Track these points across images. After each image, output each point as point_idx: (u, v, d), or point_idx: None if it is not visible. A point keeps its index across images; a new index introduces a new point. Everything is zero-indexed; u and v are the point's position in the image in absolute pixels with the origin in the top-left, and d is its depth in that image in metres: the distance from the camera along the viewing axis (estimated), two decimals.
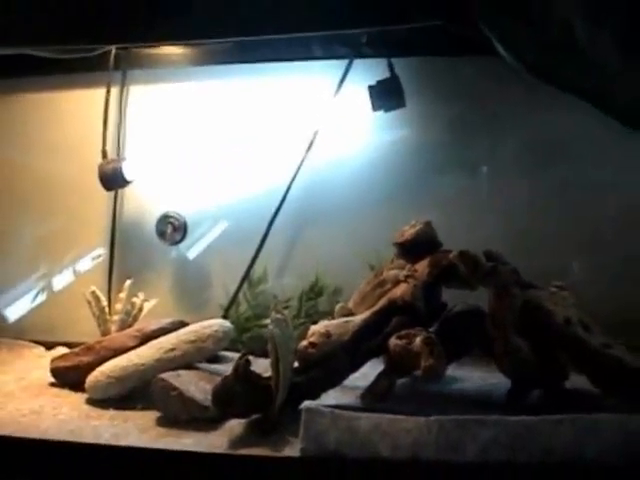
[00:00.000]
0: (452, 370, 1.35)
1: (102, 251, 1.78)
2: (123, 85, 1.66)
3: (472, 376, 1.35)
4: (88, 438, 1.04)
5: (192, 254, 1.79)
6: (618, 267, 1.50)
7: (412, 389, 1.29)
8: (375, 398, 1.18)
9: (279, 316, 1.16)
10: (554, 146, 1.54)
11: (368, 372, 1.16)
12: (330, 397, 1.21)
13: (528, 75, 1.00)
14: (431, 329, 1.24)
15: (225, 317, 1.64)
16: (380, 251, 1.39)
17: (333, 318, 1.32)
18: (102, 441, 1.04)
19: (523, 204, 1.60)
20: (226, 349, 1.53)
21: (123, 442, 1.04)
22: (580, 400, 1.06)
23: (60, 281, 1.77)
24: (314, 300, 1.63)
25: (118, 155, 1.65)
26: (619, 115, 0.98)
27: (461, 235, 1.44)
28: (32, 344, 1.56)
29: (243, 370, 1.14)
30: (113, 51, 1.53)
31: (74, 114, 1.67)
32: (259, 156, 1.76)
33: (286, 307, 1.64)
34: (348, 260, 1.61)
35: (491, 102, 1.59)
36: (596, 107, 0.98)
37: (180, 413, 1.21)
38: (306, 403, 1.11)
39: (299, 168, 1.69)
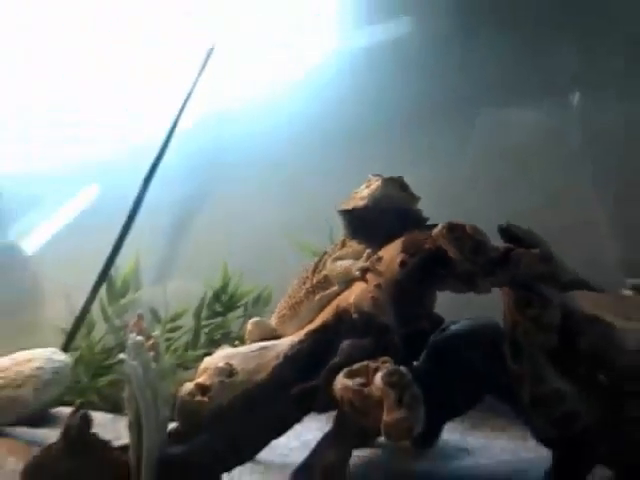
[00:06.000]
0: (460, 435, 1.35)
1: None
2: None
3: (491, 446, 1.33)
4: None
5: (6, 240, 1.76)
6: None
7: (384, 468, 1.26)
8: None
9: (140, 339, 1.10)
10: None
11: (312, 438, 1.16)
12: None
13: None
14: (416, 363, 1.22)
15: (67, 348, 1.59)
16: (333, 233, 1.35)
17: (243, 343, 1.28)
18: None
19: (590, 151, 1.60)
20: (66, 402, 1.49)
21: None
22: None
23: None
24: (222, 316, 1.62)
25: None
26: None
27: (474, 205, 1.45)
28: None
29: (77, 435, 1.07)
30: None
31: None
32: (123, 78, 1.72)
33: (174, 329, 1.61)
34: (280, 248, 1.58)
35: None
36: None
37: None
38: None
39: (188, 98, 1.65)
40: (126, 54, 1.68)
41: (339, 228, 1.23)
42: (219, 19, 1.63)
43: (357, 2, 1.51)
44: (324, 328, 1.19)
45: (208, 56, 1.60)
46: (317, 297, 1.25)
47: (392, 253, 1.17)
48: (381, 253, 1.19)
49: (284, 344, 1.19)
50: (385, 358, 1.08)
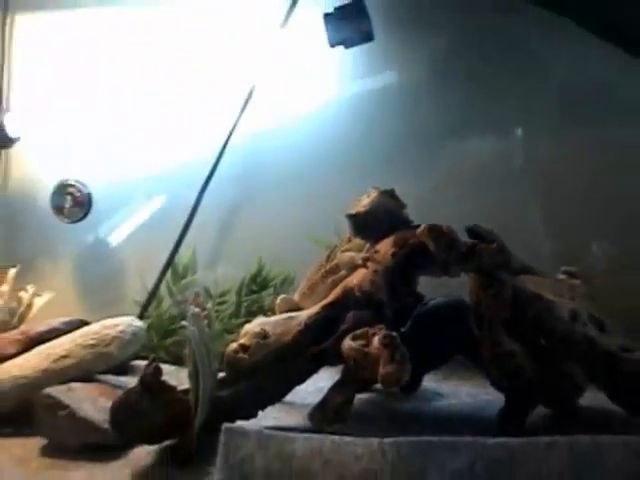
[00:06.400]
0: (436, 383, 1.37)
1: None
2: (5, 12, 1.71)
3: (460, 391, 1.35)
4: None
5: (99, 235, 1.77)
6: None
7: (379, 407, 1.29)
8: (325, 418, 1.13)
9: (197, 310, 1.13)
10: (571, 92, 1.60)
11: (325, 385, 1.14)
12: (270, 417, 1.18)
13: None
14: (403, 329, 1.22)
15: (142, 317, 1.61)
16: (341, 230, 1.34)
17: (274, 314, 1.29)
18: None
19: (532, 170, 1.62)
20: (143, 357, 1.49)
21: None
22: (599, 422, 1.09)
23: None
24: (257, 294, 1.62)
25: None
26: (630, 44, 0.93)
27: (448, 211, 1.44)
28: None
29: (151, 381, 1.09)
30: None
31: None
32: (186, 109, 1.73)
33: (221, 303, 1.62)
34: (301, 242, 1.59)
35: (490, 33, 1.60)
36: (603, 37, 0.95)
37: (71, 438, 1.16)
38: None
39: (236, 125, 1.65)
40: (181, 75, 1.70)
41: (345, 228, 1.25)
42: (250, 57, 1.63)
43: (354, 59, 1.56)
44: (334, 303, 1.21)
45: (250, 95, 1.58)
46: (329, 280, 1.27)
47: (386, 247, 1.19)
48: (378, 247, 1.21)
49: (304, 315, 1.21)
50: (381, 326, 1.10)
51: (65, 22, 1.69)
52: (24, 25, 1.71)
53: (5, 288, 1.51)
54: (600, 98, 1.56)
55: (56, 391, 1.20)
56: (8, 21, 1.69)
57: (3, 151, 1.69)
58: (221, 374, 1.16)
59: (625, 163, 1.57)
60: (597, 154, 1.58)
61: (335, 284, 1.23)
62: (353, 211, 1.21)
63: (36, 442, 1.19)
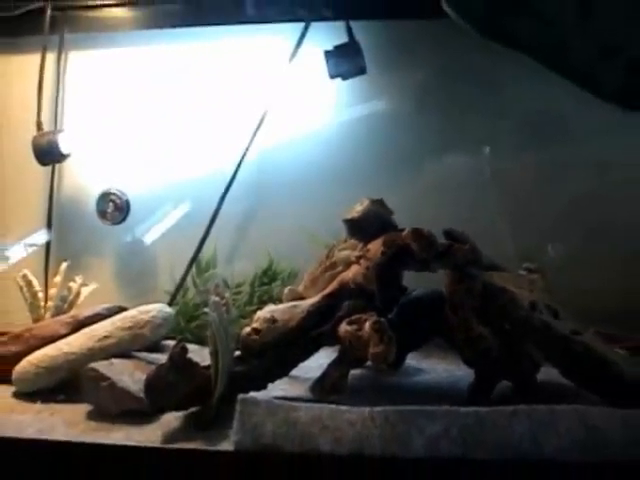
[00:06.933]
0: (417, 361, 1.37)
1: (38, 232, 1.76)
2: (60, 50, 1.71)
3: (437, 368, 1.35)
4: (9, 433, 1.01)
5: (135, 235, 1.77)
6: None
7: (370, 381, 1.29)
8: (324, 390, 1.14)
9: (217, 299, 1.13)
10: (530, 119, 1.60)
11: (324, 363, 1.12)
12: (278, 389, 1.18)
13: (479, 36, 0.97)
14: (390, 316, 1.22)
15: (171, 304, 1.61)
16: (339, 232, 1.33)
17: (281, 303, 1.29)
18: (24, 436, 1.00)
19: (498, 183, 1.63)
20: (171, 338, 1.49)
21: (46, 437, 1.01)
22: (553, 394, 1.08)
23: None
24: (268, 285, 1.61)
25: (54, 127, 1.71)
26: (577, 76, 0.94)
27: (428, 217, 1.43)
28: None
29: (178, 358, 1.09)
30: (48, 12, 1.51)
31: (5, 82, 1.65)
32: (208, 129, 1.73)
33: (237, 293, 1.62)
34: (304, 242, 1.59)
35: (463, 69, 1.61)
36: (552, 68, 0.95)
37: (111, 405, 1.16)
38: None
39: (251, 143, 1.65)
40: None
41: (341, 230, 1.25)
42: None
43: (347, 89, 1.56)
44: (332, 294, 1.20)
45: (263, 118, 1.58)
46: (328, 274, 1.26)
47: (376, 246, 1.19)
48: (369, 246, 1.20)
49: (307, 303, 1.21)
50: (371, 313, 1.11)
51: (107, 58, 1.73)
52: (75, 60, 1.73)
53: (58, 279, 1.52)
54: (557, 125, 1.58)
55: (99, 365, 1.20)
56: (63, 57, 1.70)
57: (57, 165, 1.69)
58: (237, 353, 1.16)
59: (576, 177, 1.59)
60: (552, 170, 1.60)
61: (333, 278, 1.22)
62: (349, 216, 1.21)
63: (83, 408, 1.19)
